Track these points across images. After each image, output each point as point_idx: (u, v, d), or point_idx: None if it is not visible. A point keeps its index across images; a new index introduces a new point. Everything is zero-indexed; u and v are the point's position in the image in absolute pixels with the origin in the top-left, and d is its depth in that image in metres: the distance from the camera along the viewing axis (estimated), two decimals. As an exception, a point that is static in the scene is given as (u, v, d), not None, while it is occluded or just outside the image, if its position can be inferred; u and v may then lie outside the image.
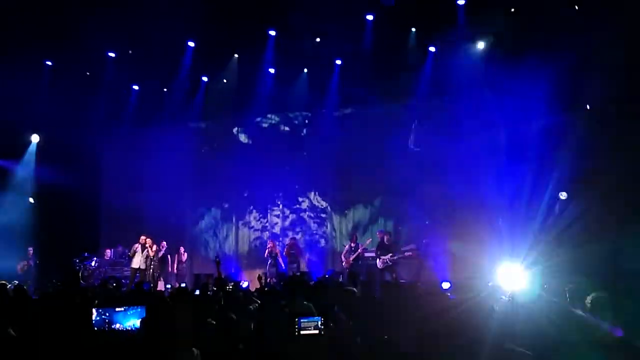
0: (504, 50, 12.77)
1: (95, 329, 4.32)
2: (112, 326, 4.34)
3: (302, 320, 4.73)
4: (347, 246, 14.70)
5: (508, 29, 12.41)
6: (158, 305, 4.56)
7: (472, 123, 12.91)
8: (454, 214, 13.61)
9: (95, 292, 8.20)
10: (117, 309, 4.40)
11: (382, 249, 13.79)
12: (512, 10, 12.62)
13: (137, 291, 8.62)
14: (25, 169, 16.29)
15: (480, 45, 13.77)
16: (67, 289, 7.89)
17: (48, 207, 15.45)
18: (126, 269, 15.03)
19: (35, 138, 16.44)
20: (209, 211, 17.53)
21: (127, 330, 4.37)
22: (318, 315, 4.76)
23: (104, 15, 12.61)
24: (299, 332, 4.68)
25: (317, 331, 4.69)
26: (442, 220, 13.92)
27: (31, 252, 15.08)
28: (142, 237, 14.48)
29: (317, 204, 16.57)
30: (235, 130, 17.51)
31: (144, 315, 4.34)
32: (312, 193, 16.62)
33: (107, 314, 4.38)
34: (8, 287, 8.51)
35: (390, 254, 13.54)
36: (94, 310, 4.39)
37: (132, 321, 4.43)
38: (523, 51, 11.73)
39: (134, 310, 4.44)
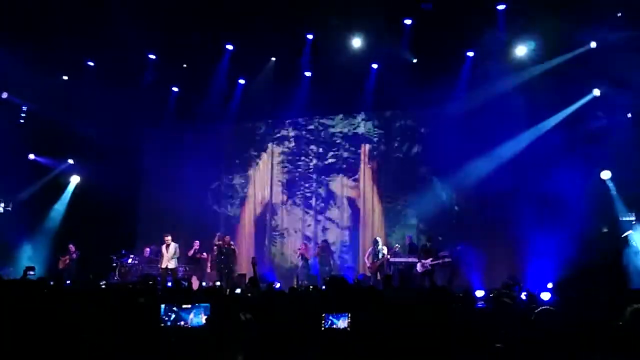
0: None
1: (162, 325, 4.45)
2: (178, 323, 4.46)
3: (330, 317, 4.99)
4: (369, 249, 14.73)
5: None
6: (223, 303, 4.71)
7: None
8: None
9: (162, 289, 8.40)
10: (184, 306, 4.53)
11: (423, 252, 13.80)
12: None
13: (178, 289, 8.79)
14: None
15: (521, 50, 13.71)
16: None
17: (87, 204, 15.77)
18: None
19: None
20: (243, 211, 17.69)
21: (192, 327, 4.48)
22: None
23: (144, 18, 12.86)
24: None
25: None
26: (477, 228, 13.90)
27: (73, 248, 15.39)
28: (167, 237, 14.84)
29: (347, 208, 16.59)
30: (270, 131, 17.67)
31: (209, 312, 4.47)
32: (344, 197, 16.67)
33: (174, 311, 4.51)
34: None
35: (431, 259, 13.51)
36: (162, 306, 4.51)
37: (197, 318, 4.55)
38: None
39: (199, 308, 4.56)
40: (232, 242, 15.57)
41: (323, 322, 5.27)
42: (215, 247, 15.52)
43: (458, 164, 14.08)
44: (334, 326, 5.22)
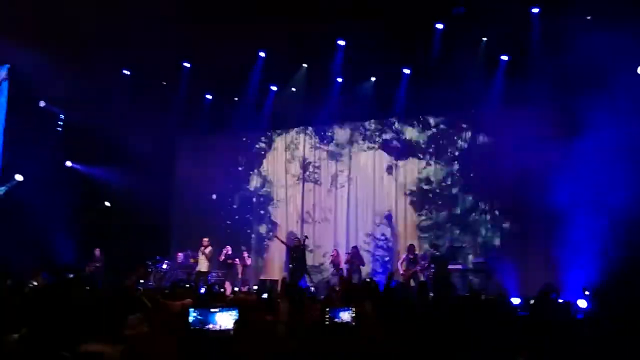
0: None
1: (191, 327, 4.47)
2: (206, 326, 4.48)
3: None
4: (404, 255, 14.58)
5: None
6: (251, 307, 4.72)
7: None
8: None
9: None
10: (212, 310, 4.54)
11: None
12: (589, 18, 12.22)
13: (211, 293, 8.82)
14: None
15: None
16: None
17: (123, 211, 16.01)
18: (195, 271, 15.38)
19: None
20: (276, 219, 17.74)
21: (221, 330, 4.50)
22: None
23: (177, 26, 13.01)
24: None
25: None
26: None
27: (98, 253, 15.57)
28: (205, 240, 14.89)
29: (379, 216, 16.47)
30: (301, 139, 17.68)
31: (237, 316, 4.48)
32: (376, 205, 16.55)
33: (203, 314, 4.52)
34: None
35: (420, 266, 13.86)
36: (190, 310, 4.54)
37: (226, 321, 4.55)
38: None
39: (227, 312, 4.57)
40: (303, 243, 15.09)
41: (327, 316, 5.31)
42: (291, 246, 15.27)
43: (494, 171, 13.90)
44: (337, 320, 5.30)
